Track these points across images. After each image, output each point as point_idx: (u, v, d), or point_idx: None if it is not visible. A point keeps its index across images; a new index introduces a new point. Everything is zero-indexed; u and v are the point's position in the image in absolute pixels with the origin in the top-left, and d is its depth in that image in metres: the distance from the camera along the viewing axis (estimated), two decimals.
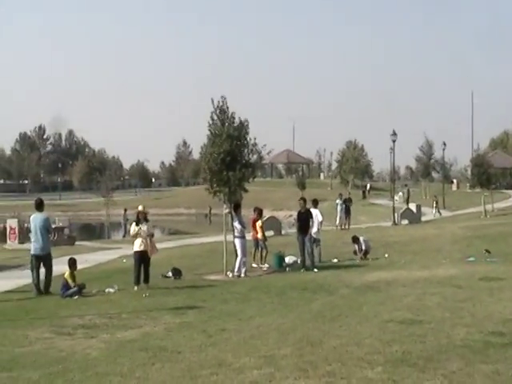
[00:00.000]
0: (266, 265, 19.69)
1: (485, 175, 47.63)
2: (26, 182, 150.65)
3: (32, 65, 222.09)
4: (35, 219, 15.38)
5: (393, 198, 47.23)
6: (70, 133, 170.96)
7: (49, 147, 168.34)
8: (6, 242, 31.74)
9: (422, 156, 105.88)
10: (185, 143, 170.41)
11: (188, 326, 10.43)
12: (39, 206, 15.75)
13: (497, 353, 7.79)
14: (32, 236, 15.41)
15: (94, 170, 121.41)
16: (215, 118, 18.14)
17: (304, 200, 19.67)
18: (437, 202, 49.38)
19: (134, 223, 15.96)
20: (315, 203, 20.90)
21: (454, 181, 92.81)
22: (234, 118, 18.12)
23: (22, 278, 17.27)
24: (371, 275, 16.28)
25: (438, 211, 48.54)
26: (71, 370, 7.70)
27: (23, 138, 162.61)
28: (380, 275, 16.16)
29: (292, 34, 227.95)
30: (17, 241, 31.90)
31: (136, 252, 15.66)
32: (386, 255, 21.70)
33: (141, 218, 15.87)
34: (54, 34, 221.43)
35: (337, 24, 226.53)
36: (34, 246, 15.29)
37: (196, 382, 7.01)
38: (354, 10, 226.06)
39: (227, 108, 18.11)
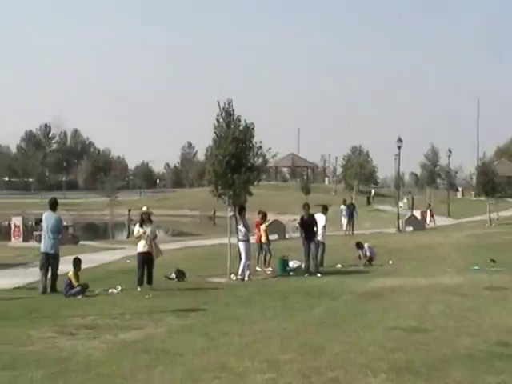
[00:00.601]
0: (270, 268, 19.65)
1: (490, 184, 47.40)
2: (31, 180, 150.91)
3: (37, 63, 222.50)
4: (48, 218, 15.51)
5: (397, 204, 47.12)
6: (76, 132, 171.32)
7: (54, 146, 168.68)
8: (10, 239, 31.74)
9: (428, 163, 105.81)
10: (190, 145, 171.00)
11: (190, 328, 10.38)
12: (53, 205, 15.88)
13: (502, 363, 7.72)
14: (43, 234, 15.57)
15: (99, 170, 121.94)
16: (221, 120, 18.11)
17: (308, 206, 19.55)
18: (431, 211, 48.43)
19: (138, 224, 15.96)
20: (325, 209, 20.71)
21: (459, 188, 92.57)
22: (239, 120, 18.08)
23: (26, 276, 17.30)
24: (375, 282, 16.22)
25: (433, 220, 47.49)
26: (73, 371, 7.67)
27: (29, 136, 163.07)
28: (384, 282, 16.09)
29: (299, 37, 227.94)
30: (21, 239, 31.92)
31: (139, 253, 15.66)
32: (391, 262, 21.65)
33: (145, 219, 15.87)
34: (57, 34, 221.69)
35: (339, 26, 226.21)
36: (44, 244, 15.42)
37: None
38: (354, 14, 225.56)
39: (233, 111, 18.07)
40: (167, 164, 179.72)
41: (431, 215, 47.75)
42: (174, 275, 17.38)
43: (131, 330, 10.16)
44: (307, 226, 18.91)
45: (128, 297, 14.16)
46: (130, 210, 44.00)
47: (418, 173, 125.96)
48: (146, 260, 15.54)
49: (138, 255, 15.71)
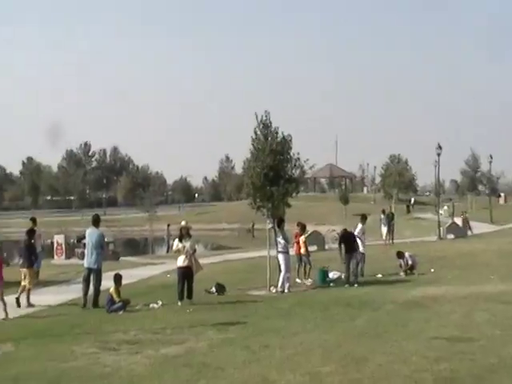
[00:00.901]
0: (310, 280, 19.56)
1: None
2: (72, 198, 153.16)
3: (70, 81, 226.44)
4: (91, 234, 15.87)
5: (438, 212, 46.49)
6: (115, 149, 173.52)
7: (94, 163, 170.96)
8: (53, 257, 32.19)
9: (468, 169, 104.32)
10: (227, 158, 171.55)
11: (231, 342, 10.39)
12: (96, 221, 16.29)
13: None
14: (87, 250, 15.95)
15: (138, 186, 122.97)
16: (258, 132, 18.12)
17: (345, 230, 19.96)
18: (466, 219, 44.75)
19: (177, 239, 16.06)
20: (363, 218, 20.71)
21: (502, 194, 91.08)
22: (277, 132, 18.06)
23: (69, 293, 17.52)
24: (417, 291, 16.03)
25: (469, 228, 43.65)
26: None
27: (69, 155, 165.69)
28: (426, 291, 15.88)
29: (331, 46, 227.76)
30: (63, 256, 32.39)
31: (179, 268, 15.75)
32: (432, 270, 21.34)
33: (184, 234, 15.97)
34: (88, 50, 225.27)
35: (369, 37, 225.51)
36: (87, 259, 15.79)
37: None
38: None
39: (270, 123, 18.06)
40: (205, 178, 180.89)
41: (467, 224, 45.11)
42: (214, 289, 17.40)
43: (172, 345, 10.21)
44: (346, 239, 18.94)
45: (169, 311, 14.24)
46: (169, 225, 44.17)
47: (458, 179, 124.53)
48: (186, 274, 15.62)
49: (178, 270, 15.80)
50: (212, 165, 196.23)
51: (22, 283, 16.01)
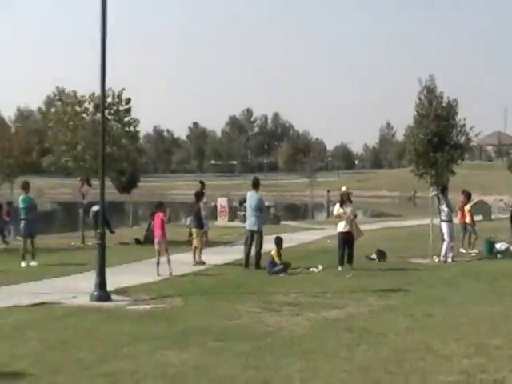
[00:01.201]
0: (475, 250, 18.85)
1: None
2: (235, 162, 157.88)
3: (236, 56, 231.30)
4: (251, 198, 16.41)
5: None
6: (276, 115, 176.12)
7: (256, 129, 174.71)
8: (216, 219, 33.43)
9: None
10: (388, 125, 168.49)
11: (393, 308, 10.27)
12: (255, 185, 16.72)
13: None
14: (247, 212, 16.62)
15: (299, 152, 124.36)
16: (422, 98, 17.61)
17: None
18: None
19: (338, 204, 16.06)
20: None
21: None
22: (442, 97, 17.46)
23: (232, 254, 18.14)
24: None
25: None
26: (278, 345, 7.89)
27: (232, 121, 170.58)
28: None
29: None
30: (226, 218, 33.56)
31: (340, 233, 15.75)
32: None
33: (345, 199, 15.94)
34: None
35: None
36: (248, 221, 16.39)
37: (402, 366, 6.86)
38: None
39: (435, 88, 17.49)
40: (365, 145, 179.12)
41: None
42: (374, 255, 17.26)
43: (333, 309, 10.26)
44: None
45: (329, 276, 14.32)
46: (328, 191, 44.42)
47: None
48: (347, 240, 15.60)
49: (339, 235, 15.81)
50: (373, 132, 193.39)
51: (194, 243, 16.77)
